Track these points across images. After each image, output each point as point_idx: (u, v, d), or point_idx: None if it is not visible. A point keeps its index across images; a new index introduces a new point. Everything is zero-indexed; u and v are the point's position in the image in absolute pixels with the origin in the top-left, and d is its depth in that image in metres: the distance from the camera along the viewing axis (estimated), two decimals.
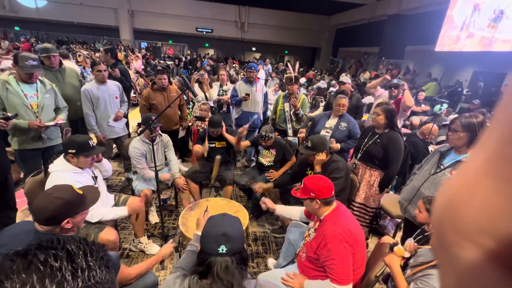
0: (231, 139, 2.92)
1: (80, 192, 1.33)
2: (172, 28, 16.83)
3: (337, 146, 2.71)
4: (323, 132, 2.84)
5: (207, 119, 3.33)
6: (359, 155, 2.44)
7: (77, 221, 1.30)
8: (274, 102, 3.80)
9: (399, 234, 2.68)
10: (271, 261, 2.28)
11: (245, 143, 2.95)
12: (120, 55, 8.22)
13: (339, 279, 1.36)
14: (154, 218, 2.76)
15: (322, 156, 2.16)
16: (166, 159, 2.86)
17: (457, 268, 0.19)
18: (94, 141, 1.92)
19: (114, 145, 3.54)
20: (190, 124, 3.83)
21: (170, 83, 3.59)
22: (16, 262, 0.50)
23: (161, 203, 2.55)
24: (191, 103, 4.28)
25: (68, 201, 1.24)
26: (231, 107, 3.93)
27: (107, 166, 2.19)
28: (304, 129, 3.45)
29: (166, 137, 2.78)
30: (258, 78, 3.81)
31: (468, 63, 9.70)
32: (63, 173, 1.76)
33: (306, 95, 6.04)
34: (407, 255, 1.46)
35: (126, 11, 15.56)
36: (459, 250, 0.19)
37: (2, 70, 3.57)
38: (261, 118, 3.94)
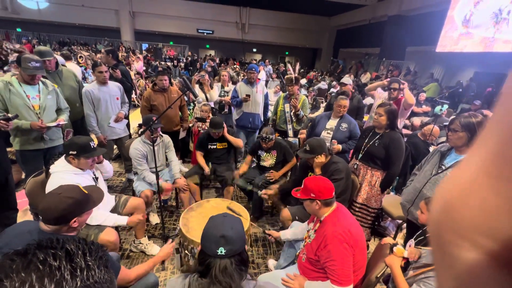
0: (232, 139, 2.93)
1: (86, 191, 1.37)
2: (173, 29, 16.88)
3: (339, 147, 2.71)
4: (324, 133, 2.84)
5: (208, 120, 3.33)
6: (360, 155, 2.44)
7: (83, 220, 1.34)
8: (275, 103, 3.80)
9: (400, 235, 2.67)
10: (271, 262, 2.28)
11: (247, 161, 2.98)
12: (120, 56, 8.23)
13: (340, 280, 1.36)
14: (154, 218, 2.76)
15: (321, 159, 2.16)
16: (166, 159, 2.86)
17: (456, 268, 0.19)
18: (95, 143, 1.93)
19: (115, 146, 3.55)
20: (191, 125, 3.83)
21: (171, 84, 3.60)
22: (16, 261, 0.50)
23: (162, 203, 2.55)
24: (192, 104, 4.29)
25: (77, 200, 1.28)
26: (232, 108, 3.94)
27: (108, 167, 2.19)
28: (305, 130, 3.45)
29: (167, 138, 2.79)
30: (259, 79, 3.81)
31: (469, 64, 9.68)
32: (64, 174, 1.77)
33: (307, 96, 6.05)
34: (406, 254, 1.46)
35: (127, 12, 15.61)
36: (458, 250, 0.19)
37: (6, 71, 3.58)
38: (262, 119, 3.94)
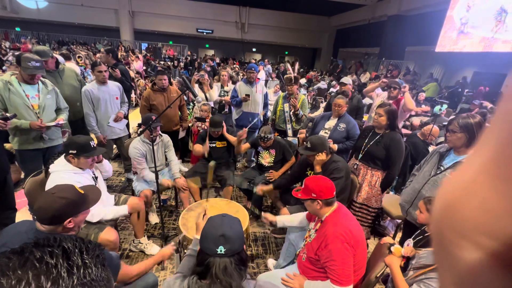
0: (232, 139, 2.93)
1: (82, 191, 1.35)
2: (173, 29, 16.85)
3: (334, 146, 2.70)
4: (321, 133, 2.84)
5: (207, 120, 3.33)
6: (360, 155, 2.44)
7: (79, 220, 1.31)
8: (274, 102, 3.80)
9: (399, 234, 2.68)
10: (271, 262, 2.28)
11: (246, 145, 2.96)
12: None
13: (340, 280, 1.36)
14: (154, 218, 2.76)
15: (322, 156, 2.15)
16: (166, 159, 2.86)
17: (457, 268, 0.19)
18: (95, 142, 1.93)
19: (115, 146, 3.55)
20: (190, 124, 3.83)
21: (171, 83, 3.59)
22: (12, 259, 0.50)
23: (161, 203, 2.55)
24: (191, 103, 4.28)
25: (71, 200, 1.26)
26: (232, 107, 3.94)
27: (108, 166, 2.19)
28: (304, 129, 3.45)
29: (166, 137, 2.78)
30: (258, 78, 3.81)
31: (468, 64, 9.69)
32: (63, 173, 1.77)
33: (307, 96, 6.05)
34: (404, 252, 1.46)
35: (127, 11, 15.58)
36: (459, 250, 0.19)
37: (4, 70, 3.57)
38: (261, 119, 3.94)
